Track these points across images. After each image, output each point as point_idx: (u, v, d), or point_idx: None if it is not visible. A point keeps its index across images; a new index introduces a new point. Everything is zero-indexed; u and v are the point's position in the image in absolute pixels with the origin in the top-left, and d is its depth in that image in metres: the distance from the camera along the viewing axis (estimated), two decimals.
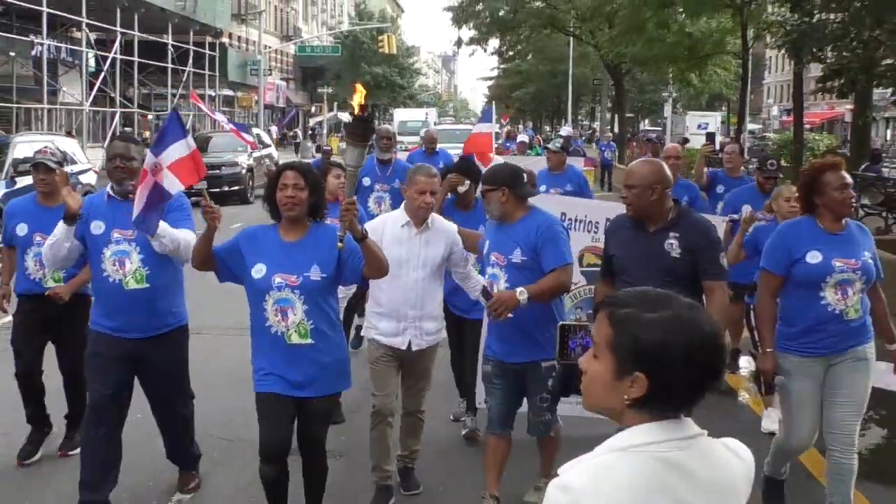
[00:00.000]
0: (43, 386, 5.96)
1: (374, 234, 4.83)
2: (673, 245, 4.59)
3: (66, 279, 5.66)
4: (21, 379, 5.89)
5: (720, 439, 1.93)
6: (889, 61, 12.00)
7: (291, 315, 4.31)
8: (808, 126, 51.71)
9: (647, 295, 1.91)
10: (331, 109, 60.98)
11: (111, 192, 4.99)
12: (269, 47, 55.68)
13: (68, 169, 14.86)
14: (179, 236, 4.76)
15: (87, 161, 17.69)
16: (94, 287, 5.15)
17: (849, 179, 4.70)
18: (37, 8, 25.01)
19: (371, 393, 5.30)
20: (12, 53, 26.61)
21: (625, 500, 1.75)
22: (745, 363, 8.17)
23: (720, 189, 8.49)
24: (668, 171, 4.74)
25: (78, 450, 5.36)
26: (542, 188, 8.56)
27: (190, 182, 4.61)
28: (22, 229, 5.71)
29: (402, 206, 5.33)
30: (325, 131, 52.86)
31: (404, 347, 5.14)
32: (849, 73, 11.61)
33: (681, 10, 20.18)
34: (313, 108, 69.84)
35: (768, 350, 4.83)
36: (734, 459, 1.92)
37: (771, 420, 6.54)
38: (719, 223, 6.11)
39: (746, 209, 6.93)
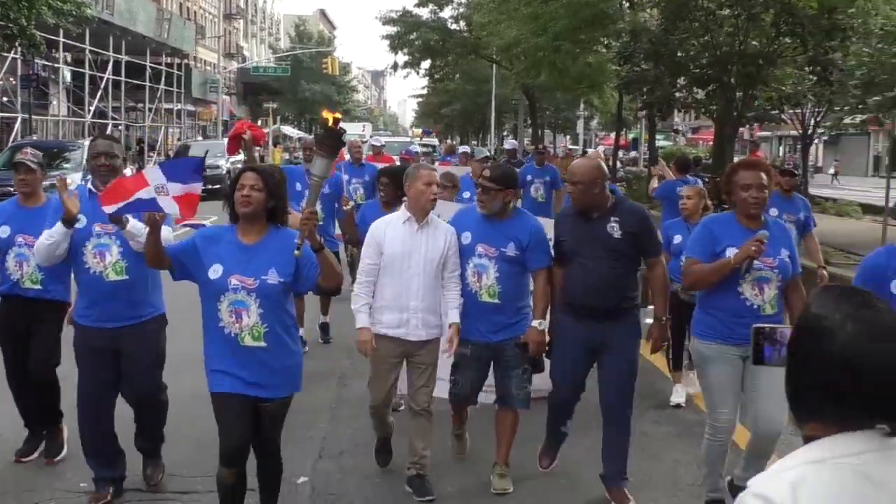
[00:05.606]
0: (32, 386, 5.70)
1: (376, 233, 5.19)
2: (614, 228, 4.95)
3: (43, 280, 5.52)
4: (10, 381, 5.77)
5: None
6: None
7: (246, 317, 4.16)
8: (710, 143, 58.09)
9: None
10: (274, 123, 63.21)
11: (93, 188, 4.96)
12: (226, 68, 59.05)
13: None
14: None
15: None
16: (76, 279, 5.08)
17: (757, 180, 4.57)
18: (55, 38, 28.72)
19: (368, 388, 5.39)
20: (20, 73, 30.19)
21: None
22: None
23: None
24: (605, 167, 5.26)
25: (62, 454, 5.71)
26: (467, 195, 8.40)
27: (187, 217, 4.54)
28: (4, 231, 5.56)
29: (403, 205, 5.39)
30: (270, 143, 53.34)
31: (408, 338, 5.17)
32: (656, 107, 18.25)
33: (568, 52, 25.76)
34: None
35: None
36: None
37: (678, 394, 7.02)
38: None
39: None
